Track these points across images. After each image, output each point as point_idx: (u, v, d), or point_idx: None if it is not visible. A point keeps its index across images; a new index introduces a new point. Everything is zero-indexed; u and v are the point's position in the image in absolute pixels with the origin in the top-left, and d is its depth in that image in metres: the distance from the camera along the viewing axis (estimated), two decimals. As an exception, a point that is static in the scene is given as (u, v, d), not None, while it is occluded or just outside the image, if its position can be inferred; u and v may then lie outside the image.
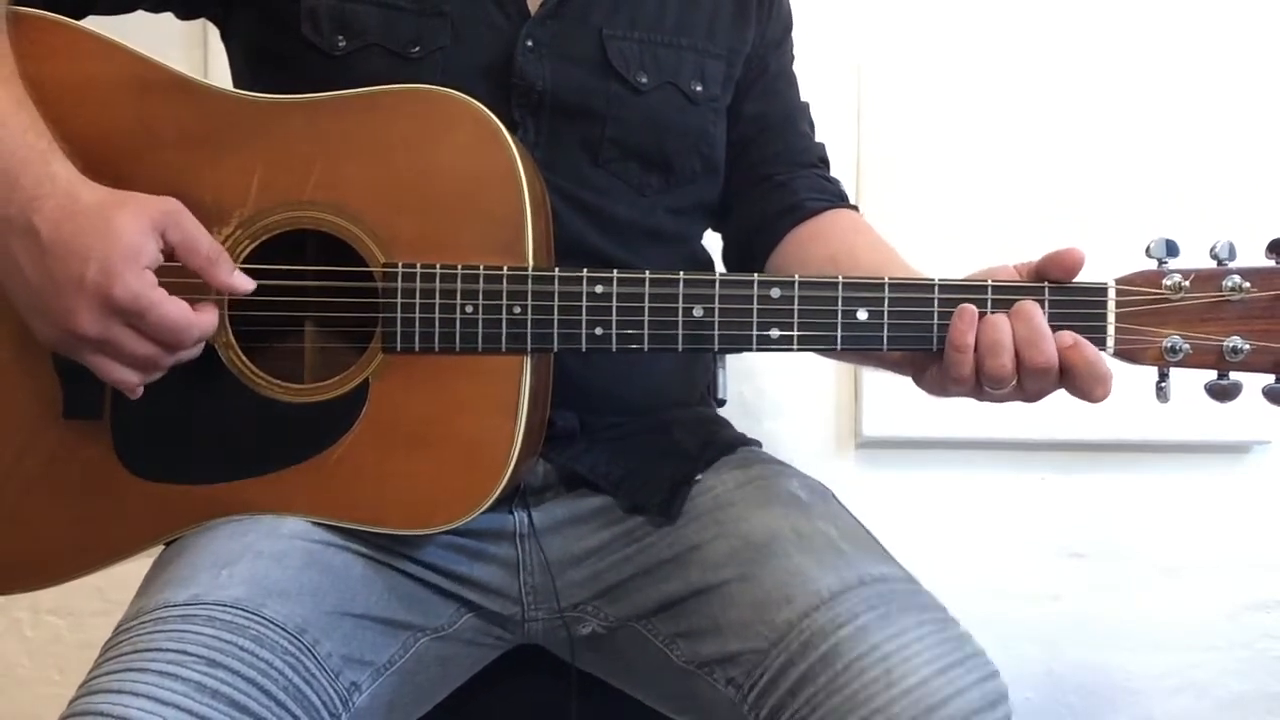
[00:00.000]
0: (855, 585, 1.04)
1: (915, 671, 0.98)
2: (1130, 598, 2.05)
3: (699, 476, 1.23)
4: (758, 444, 1.34)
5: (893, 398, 2.01)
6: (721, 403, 1.67)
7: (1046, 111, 1.98)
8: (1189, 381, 1.90)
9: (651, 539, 1.19)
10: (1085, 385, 1.03)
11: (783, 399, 2.06)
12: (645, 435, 1.27)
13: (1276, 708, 2.06)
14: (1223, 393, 1.05)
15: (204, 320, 1.05)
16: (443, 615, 1.20)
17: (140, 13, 1.29)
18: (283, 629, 1.01)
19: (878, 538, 1.17)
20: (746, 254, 1.36)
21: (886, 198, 1.97)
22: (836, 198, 1.37)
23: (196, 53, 1.87)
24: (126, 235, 1.01)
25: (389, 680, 1.13)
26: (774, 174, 1.36)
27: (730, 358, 1.75)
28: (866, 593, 1.04)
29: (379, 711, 1.12)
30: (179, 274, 1.05)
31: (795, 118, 1.41)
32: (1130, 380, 1.90)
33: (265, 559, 1.07)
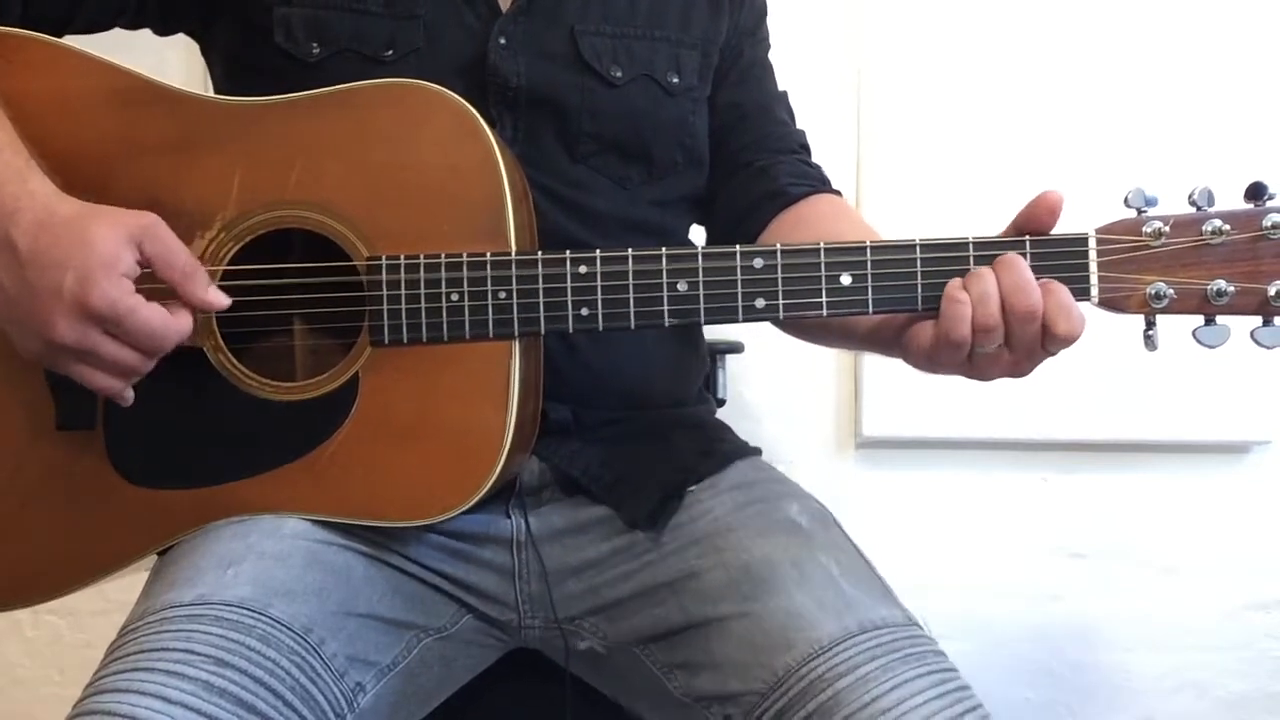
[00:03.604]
0: (856, 632, 1.04)
1: None
2: (1130, 598, 2.06)
3: (691, 488, 1.22)
4: (758, 452, 1.33)
5: (893, 398, 2.01)
6: (721, 403, 1.67)
7: (1045, 112, 1.99)
8: (1188, 382, 1.92)
9: (650, 558, 1.19)
10: (1051, 317, 1.03)
11: (783, 399, 2.06)
12: (642, 436, 1.27)
13: (1276, 708, 2.06)
14: (1210, 338, 1.05)
15: (181, 324, 1.06)
16: (444, 615, 1.20)
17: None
18: (289, 629, 1.01)
19: (878, 571, 1.16)
20: (731, 242, 1.34)
21: (886, 198, 1.98)
22: (819, 182, 1.37)
23: (196, 55, 1.87)
24: (103, 245, 1.01)
25: (392, 681, 1.13)
26: (754, 161, 1.36)
27: (730, 358, 1.75)
28: (867, 640, 1.03)
29: (383, 712, 1.12)
30: (154, 280, 1.05)
31: (772, 105, 1.41)
32: (1129, 380, 1.91)
33: (268, 559, 1.07)
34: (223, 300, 1.08)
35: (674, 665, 1.15)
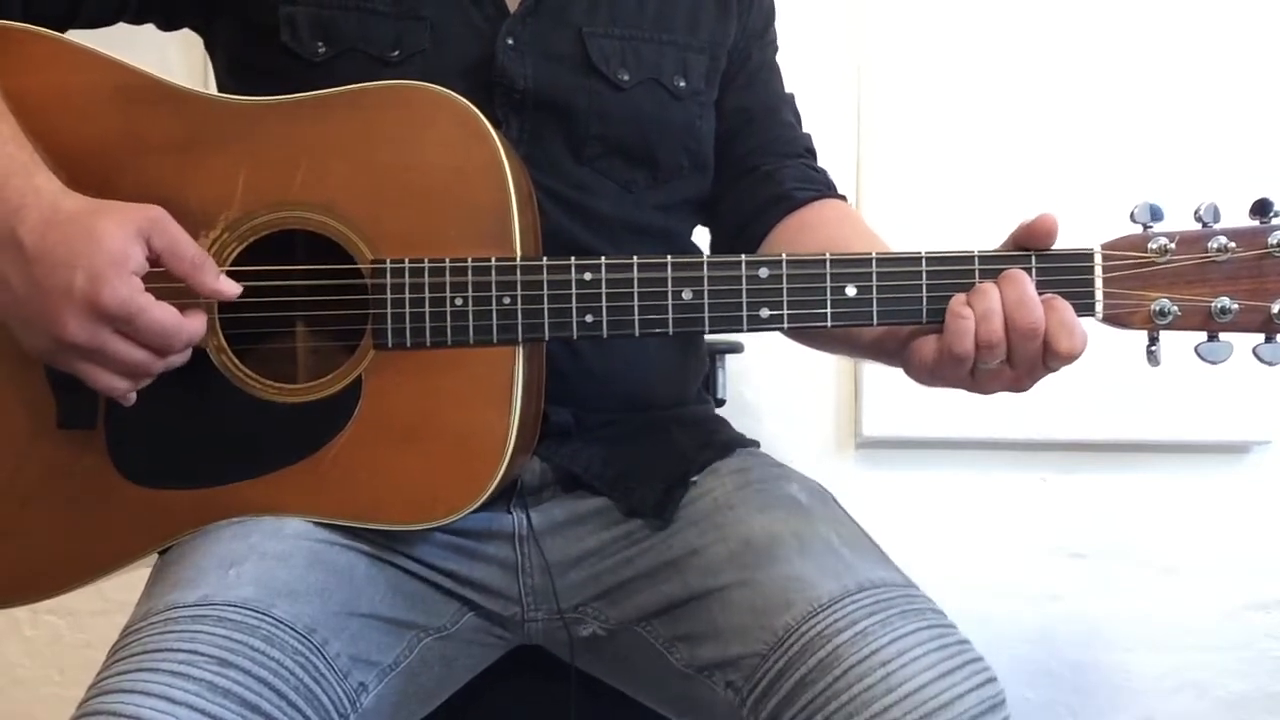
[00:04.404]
0: (855, 591, 1.04)
1: (914, 677, 0.98)
2: (1130, 598, 2.06)
3: (694, 479, 1.23)
4: (756, 444, 1.34)
5: (893, 398, 2.02)
6: (721, 403, 1.67)
7: (1045, 110, 1.99)
8: (1188, 382, 1.92)
9: (651, 542, 1.19)
10: (1054, 334, 1.03)
11: (783, 399, 2.06)
12: (642, 434, 1.27)
13: (1276, 708, 2.06)
14: (1213, 354, 1.05)
15: (193, 324, 1.06)
16: (445, 614, 1.20)
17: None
18: (292, 629, 1.01)
19: (877, 541, 1.17)
20: (736, 246, 1.36)
21: (886, 198, 1.98)
22: (824, 187, 1.37)
23: (196, 53, 1.87)
24: (112, 242, 1.01)
25: (394, 681, 1.13)
26: (760, 165, 1.36)
27: (730, 358, 1.75)
28: (866, 598, 1.04)
29: (385, 712, 1.12)
30: (166, 280, 1.05)
31: (780, 108, 1.41)
32: (1128, 380, 1.91)
33: (271, 559, 1.07)
34: (234, 288, 1.08)
35: (676, 638, 1.15)
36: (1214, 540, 2.05)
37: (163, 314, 1.03)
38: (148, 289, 1.03)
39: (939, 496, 2.06)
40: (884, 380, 2.01)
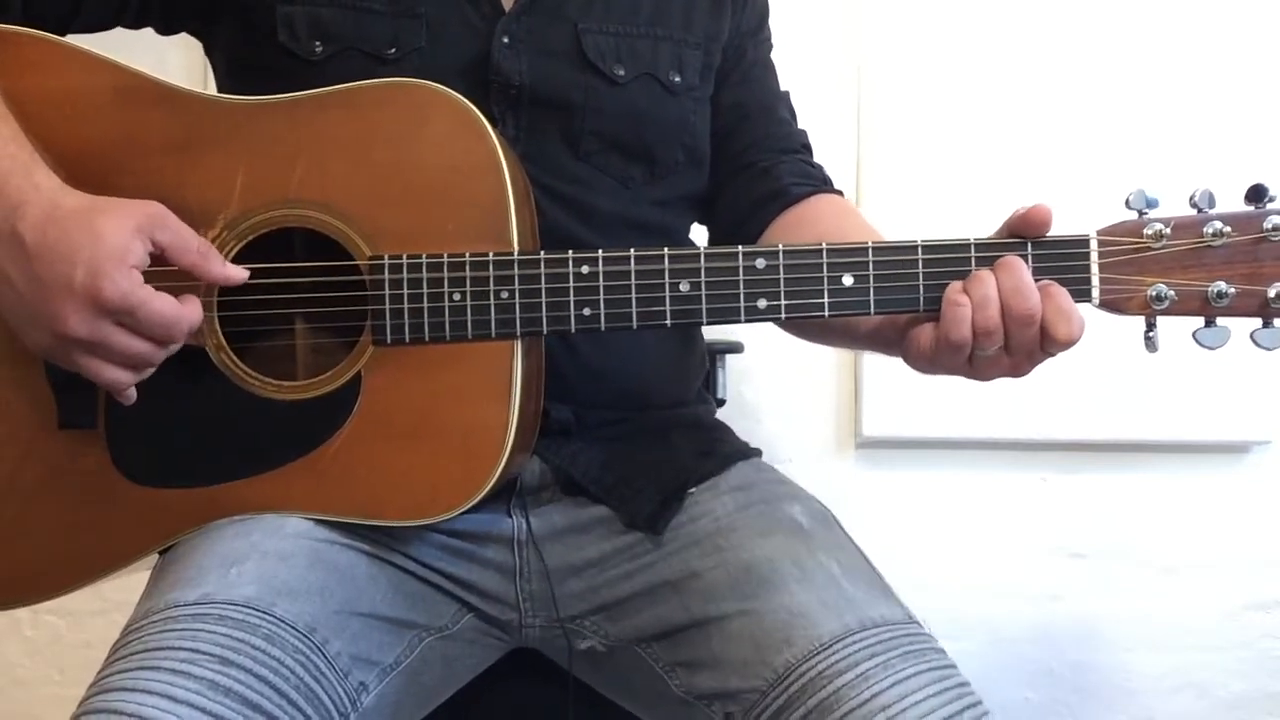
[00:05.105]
0: (856, 630, 1.04)
1: None
2: (1130, 598, 2.06)
3: (691, 490, 1.23)
4: (758, 453, 1.33)
5: (893, 398, 2.02)
6: (721, 403, 1.67)
7: (1045, 111, 2.00)
8: (1188, 382, 1.92)
9: (651, 558, 1.19)
10: (1051, 321, 1.03)
11: (783, 399, 2.06)
12: (642, 437, 1.27)
13: (1276, 708, 2.07)
14: (1211, 340, 1.06)
15: (192, 312, 1.06)
16: (445, 614, 1.20)
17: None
18: (293, 628, 1.01)
19: (879, 570, 1.16)
20: (733, 242, 1.34)
21: (886, 198, 1.99)
22: (821, 182, 1.38)
23: (195, 55, 1.87)
24: (112, 236, 1.01)
25: (395, 681, 1.13)
26: (757, 161, 1.37)
27: (730, 358, 1.75)
28: (868, 638, 1.03)
29: (385, 711, 1.12)
30: (161, 274, 1.05)
31: (775, 105, 1.42)
32: (1128, 380, 1.91)
33: (272, 558, 1.07)
34: (241, 273, 1.09)
35: (675, 663, 1.15)
36: (1214, 540, 2.05)
37: (163, 305, 1.03)
38: (145, 282, 1.03)
39: (939, 496, 2.06)
40: (884, 380, 2.01)
